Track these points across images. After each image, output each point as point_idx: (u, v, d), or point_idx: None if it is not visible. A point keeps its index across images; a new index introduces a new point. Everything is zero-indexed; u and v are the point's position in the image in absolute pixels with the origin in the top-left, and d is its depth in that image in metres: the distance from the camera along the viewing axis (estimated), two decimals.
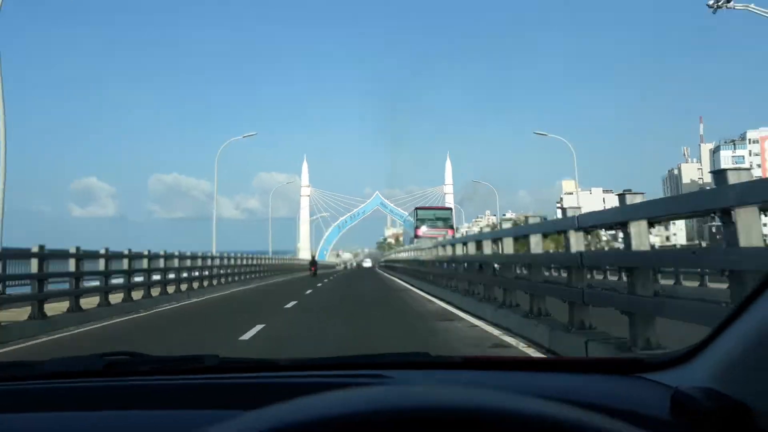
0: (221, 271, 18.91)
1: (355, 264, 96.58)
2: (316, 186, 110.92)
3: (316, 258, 62.16)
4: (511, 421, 0.48)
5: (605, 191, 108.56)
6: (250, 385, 1.09)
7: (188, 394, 1.06)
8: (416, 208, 52.22)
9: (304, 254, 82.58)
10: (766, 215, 3.28)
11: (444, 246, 13.46)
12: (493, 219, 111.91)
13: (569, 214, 5.37)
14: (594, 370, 1.09)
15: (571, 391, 0.96)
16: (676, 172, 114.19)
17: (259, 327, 7.56)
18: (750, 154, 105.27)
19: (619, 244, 5.89)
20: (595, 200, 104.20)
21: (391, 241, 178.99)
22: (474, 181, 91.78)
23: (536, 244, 6.60)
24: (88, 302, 9.81)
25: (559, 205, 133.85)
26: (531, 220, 7.17)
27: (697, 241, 71.51)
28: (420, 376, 1.12)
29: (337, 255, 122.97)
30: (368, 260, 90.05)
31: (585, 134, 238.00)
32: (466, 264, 10.56)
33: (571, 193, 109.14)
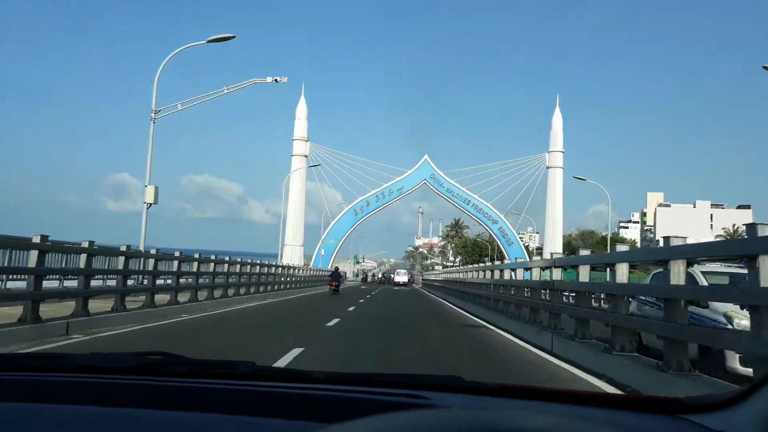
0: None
1: (380, 275, 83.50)
2: (318, 141, 74.34)
3: (317, 264, 54.77)
4: None
5: (714, 205, 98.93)
6: (282, 395, 1.23)
7: (219, 399, 1.21)
8: None
9: (293, 256, 63.56)
10: None
11: None
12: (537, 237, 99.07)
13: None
14: (634, 408, 1.19)
15: (610, 428, 1.04)
16: None
17: None
18: None
19: None
20: (700, 216, 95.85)
21: (424, 251, 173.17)
22: (512, 212, 71.27)
23: None
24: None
25: (633, 220, 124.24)
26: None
27: None
28: (457, 400, 1.27)
29: (357, 261, 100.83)
30: (403, 273, 72.98)
31: (683, 138, 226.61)
32: None
33: (668, 205, 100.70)
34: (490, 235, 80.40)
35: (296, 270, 35.47)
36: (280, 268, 28.86)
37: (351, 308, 17.83)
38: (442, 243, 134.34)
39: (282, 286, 27.12)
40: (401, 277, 67.47)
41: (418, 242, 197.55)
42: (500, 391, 1.32)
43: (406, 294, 36.16)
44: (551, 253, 11.73)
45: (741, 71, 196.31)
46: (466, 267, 27.33)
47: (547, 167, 70.97)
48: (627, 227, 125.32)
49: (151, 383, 1.29)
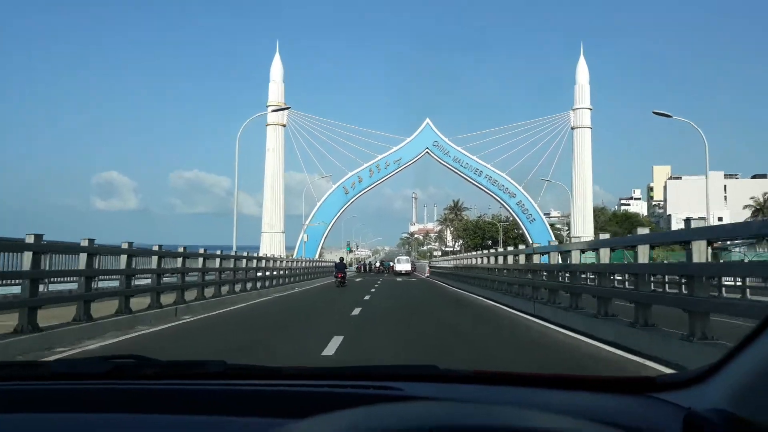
0: None
1: (378, 264, 77.32)
2: (299, 108, 64.27)
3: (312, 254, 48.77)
4: None
5: (728, 176, 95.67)
6: (253, 392, 1.27)
7: (191, 400, 1.23)
8: None
9: (272, 245, 54.72)
10: None
11: None
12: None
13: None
14: (606, 389, 1.26)
15: (580, 409, 1.11)
16: None
17: None
18: None
19: None
20: (713, 188, 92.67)
21: (420, 237, 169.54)
22: (543, 179, 60.10)
23: None
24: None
25: (635, 197, 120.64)
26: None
27: None
28: (428, 389, 1.29)
29: (350, 249, 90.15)
30: (404, 260, 65.14)
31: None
32: None
33: (679, 178, 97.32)
34: (499, 214, 75.36)
35: (296, 263, 31.81)
36: (278, 262, 27.68)
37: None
38: (439, 228, 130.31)
39: (278, 281, 25.12)
40: (403, 265, 60.63)
41: (412, 228, 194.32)
42: (474, 378, 1.35)
43: (419, 288, 29.22)
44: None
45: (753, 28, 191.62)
46: (522, 249, 21.14)
47: (572, 128, 61.61)
48: (629, 204, 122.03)
49: (122, 387, 1.32)
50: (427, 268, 54.28)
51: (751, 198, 67.39)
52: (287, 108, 51.75)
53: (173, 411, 1.16)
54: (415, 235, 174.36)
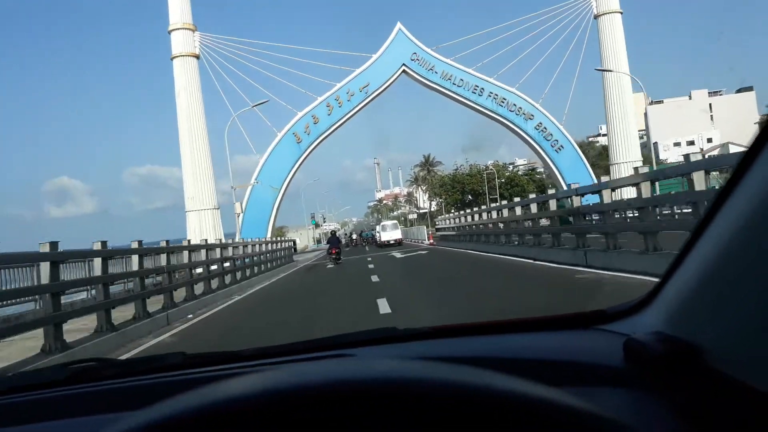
0: None
1: (354, 236, 70.59)
2: (210, 30, 47.49)
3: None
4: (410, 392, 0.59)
5: (712, 93, 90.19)
6: (213, 378, 1.28)
7: (152, 394, 1.27)
8: None
9: (202, 227, 41.92)
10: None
11: None
12: None
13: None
14: (557, 327, 1.34)
15: (527, 350, 1.19)
16: None
17: None
18: None
19: None
20: (698, 108, 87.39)
21: (389, 203, 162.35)
22: (601, 69, 43.96)
23: None
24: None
25: (602, 133, 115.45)
26: None
27: None
28: (380, 351, 1.34)
29: (315, 222, 74.74)
30: (391, 226, 49.16)
31: None
32: None
33: (660, 102, 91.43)
34: (477, 164, 68.77)
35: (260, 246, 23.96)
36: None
37: None
38: (408, 191, 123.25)
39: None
40: (390, 233, 47.11)
41: (379, 195, 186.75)
42: (432, 334, 1.38)
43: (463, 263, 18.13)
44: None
45: None
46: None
47: (596, 16, 47.53)
48: (597, 141, 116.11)
49: (81, 391, 1.34)
50: (428, 235, 43.49)
51: (764, 109, 62.09)
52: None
53: (132, 407, 1.10)
54: (384, 202, 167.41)
